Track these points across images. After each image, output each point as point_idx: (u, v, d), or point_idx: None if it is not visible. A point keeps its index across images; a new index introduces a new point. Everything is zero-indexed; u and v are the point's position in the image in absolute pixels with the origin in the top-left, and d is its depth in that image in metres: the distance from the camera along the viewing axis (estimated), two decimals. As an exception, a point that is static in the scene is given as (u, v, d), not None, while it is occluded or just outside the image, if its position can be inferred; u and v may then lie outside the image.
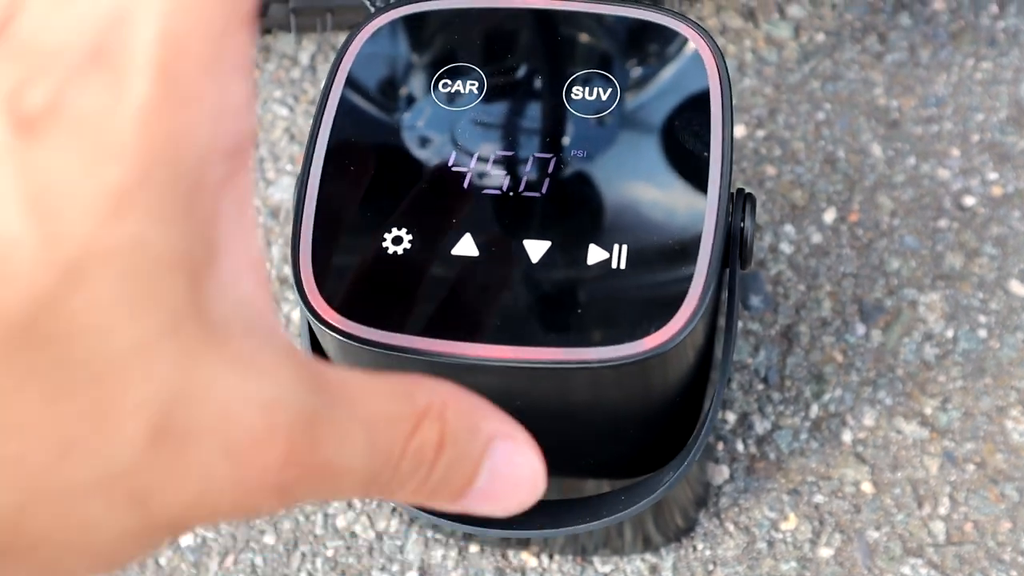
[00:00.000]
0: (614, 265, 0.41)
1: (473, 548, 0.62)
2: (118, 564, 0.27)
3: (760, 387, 0.65)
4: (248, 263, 0.28)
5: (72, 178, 0.25)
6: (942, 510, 0.61)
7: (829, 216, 0.69)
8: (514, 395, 0.44)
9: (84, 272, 0.25)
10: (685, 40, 0.46)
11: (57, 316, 0.25)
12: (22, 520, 0.25)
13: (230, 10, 0.27)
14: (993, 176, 0.69)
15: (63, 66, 0.25)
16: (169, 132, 0.26)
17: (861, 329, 0.66)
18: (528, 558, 0.61)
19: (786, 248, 0.68)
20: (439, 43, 0.46)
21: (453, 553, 0.62)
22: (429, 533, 0.62)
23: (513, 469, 0.32)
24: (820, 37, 0.75)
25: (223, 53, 0.27)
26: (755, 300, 0.67)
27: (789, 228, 0.69)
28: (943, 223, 0.68)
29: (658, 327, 0.40)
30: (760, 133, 0.72)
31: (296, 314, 0.68)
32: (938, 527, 0.61)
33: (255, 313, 0.28)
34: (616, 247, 0.42)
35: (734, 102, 0.72)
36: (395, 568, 0.62)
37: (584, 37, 0.46)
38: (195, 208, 0.26)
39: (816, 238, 0.68)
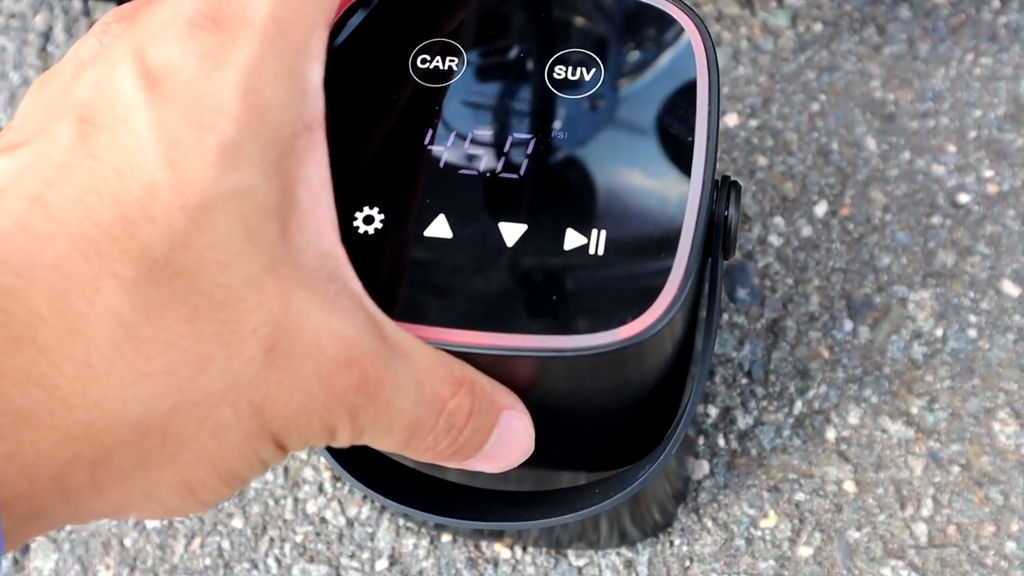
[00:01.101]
0: (592, 251, 0.40)
1: (445, 538, 0.61)
2: (237, 479, 0.31)
3: (744, 381, 0.63)
4: (328, 222, 0.33)
5: (192, 131, 0.29)
6: (925, 512, 0.60)
7: (820, 209, 0.67)
8: (486, 382, 0.43)
9: (208, 214, 0.29)
10: (673, 21, 0.44)
11: (188, 251, 0.29)
12: (169, 425, 0.29)
13: (324, 5, 0.33)
14: (989, 173, 0.68)
15: (179, 27, 0.30)
16: (268, 99, 0.31)
17: (849, 325, 0.64)
18: (501, 549, 0.60)
19: (775, 240, 0.67)
20: (418, 17, 0.45)
21: (425, 542, 0.61)
22: (401, 521, 0.61)
23: (512, 435, 0.39)
24: (817, 27, 0.74)
25: (314, 40, 0.33)
26: (742, 293, 0.65)
27: (779, 220, 0.67)
28: (936, 220, 0.67)
29: (635, 316, 0.39)
30: (753, 123, 0.70)
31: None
32: (920, 529, 0.59)
33: (335, 264, 0.33)
34: (594, 232, 0.40)
35: (727, 90, 0.71)
36: (365, 556, 0.61)
37: (569, 15, 0.45)
38: (286, 168, 0.31)
39: (806, 231, 0.67)
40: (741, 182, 0.68)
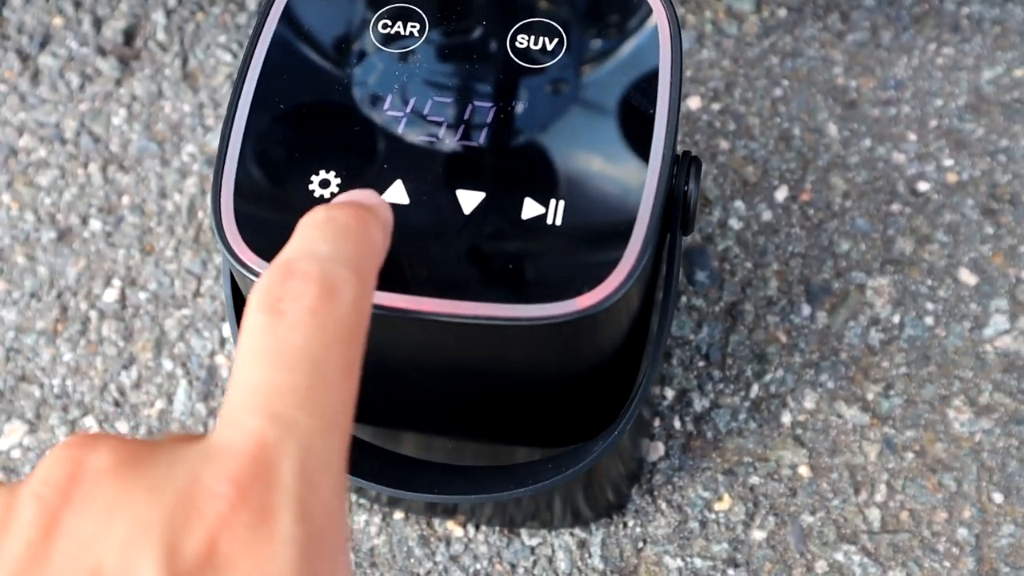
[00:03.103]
0: (549, 221, 0.40)
1: (398, 515, 0.60)
2: None
3: (701, 364, 0.63)
4: None
5: None
6: (879, 497, 0.60)
7: (781, 194, 0.67)
8: (440, 349, 0.42)
9: None
10: (637, -6, 0.44)
11: None
12: None
13: (346, 450, 0.29)
14: (949, 163, 0.68)
15: (215, 510, 0.25)
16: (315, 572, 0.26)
17: (807, 310, 0.64)
18: (454, 527, 0.60)
19: (735, 224, 0.67)
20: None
21: (377, 519, 0.60)
22: (353, 497, 0.60)
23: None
24: (782, 12, 0.73)
25: (342, 487, 0.28)
26: (701, 275, 0.65)
27: (739, 204, 0.67)
28: (896, 207, 0.67)
29: (591, 287, 0.39)
30: (715, 106, 0.70)
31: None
32: (874, 514, 0.59)
33: None
34: (553, 202, 0.40)
35: (691, 73, 0.71)
36: (317, 531, 0.60)
37: (532, -16, 0.44)
38: None
39: (766, 215, 0.67)
40: (703, 165, 0.68)
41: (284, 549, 0.26)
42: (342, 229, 0.32)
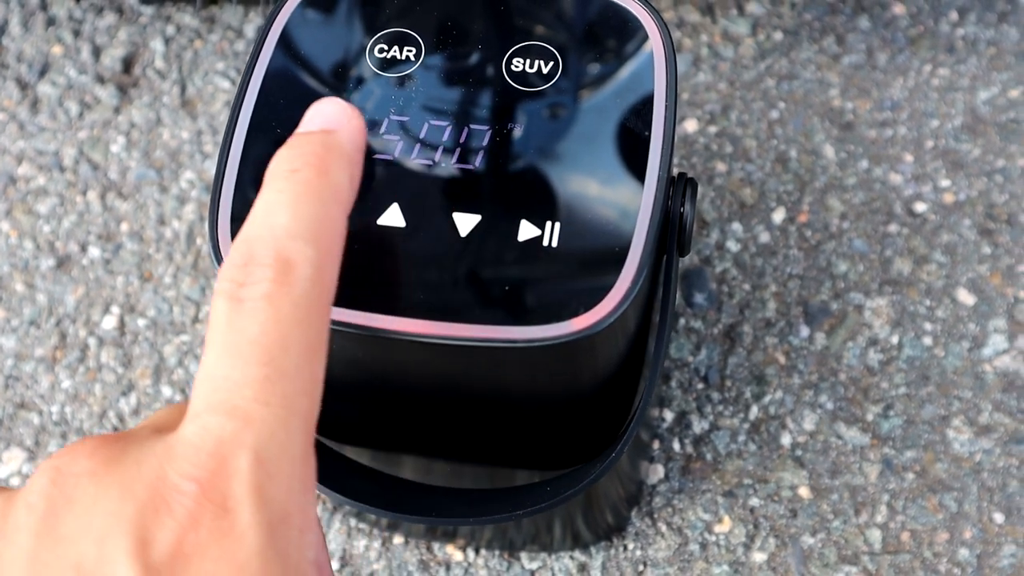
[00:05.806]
0: (545, 243, 0.40)
1: (397, 540, 0.60)
2: None
3: (700, 386, 0.63)
4: None
5: None
6: (879, 518, 0.60)
7: (778, 216, 0.67)
8: (438, 372, 0.42)
9: None
10: (631, 17, 0.44)
11: None
12: None
13: (309, 431, 0.30)
14: (945, 183, 0.68)
15: (182, 505, 0.28)
16: (278, 555, 0.28)
17: (805, 331, 0.64)
18: (453, 551, 0.60)
19: (733, 246, 0.67)
20: (376, 7, 0.44)
21: (376, 544, 0.60)
22: (352, 522, 0.60)
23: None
24: (778, 35, 0.74)
25: (304, 469, 0.30)
26: (699, 297, 0.65)
27: (737, 226, 0.67)
28: (893, 228, 0.67)
29: (587, 309, 0.39)
30: (712, 129, 0.70)
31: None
32: (875, 535, 0.59)
33: None
34: (548, 224, 0.40)
35: (687, 97, 0.71)
36: (316, 557, 0.60)
37: (528, 10, 0.45)
38: None
39: (764, 237, 0.67)
40: (700, 188, 0.68)
41: (248, 534, 0.28)
42: (302, 187, 0.31)
